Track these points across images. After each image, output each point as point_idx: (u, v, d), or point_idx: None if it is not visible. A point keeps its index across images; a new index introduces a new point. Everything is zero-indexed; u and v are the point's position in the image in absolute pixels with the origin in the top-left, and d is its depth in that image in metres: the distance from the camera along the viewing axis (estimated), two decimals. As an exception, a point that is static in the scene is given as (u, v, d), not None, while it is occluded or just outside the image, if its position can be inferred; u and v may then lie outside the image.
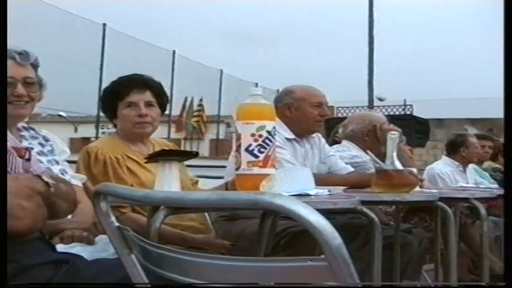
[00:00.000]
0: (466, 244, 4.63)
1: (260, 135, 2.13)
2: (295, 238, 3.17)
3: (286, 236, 3.20)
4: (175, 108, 20.72)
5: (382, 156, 2.89)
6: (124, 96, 2.99)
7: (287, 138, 3.58)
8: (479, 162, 6.30)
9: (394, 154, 2.81)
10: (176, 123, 22.03)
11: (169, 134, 19.89)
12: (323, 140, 3.83)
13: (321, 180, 3.18)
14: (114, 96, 3.03)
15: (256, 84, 22.06)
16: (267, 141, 2.14)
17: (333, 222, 3.01)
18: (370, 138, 4.20)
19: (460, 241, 4.58)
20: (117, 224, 1.24)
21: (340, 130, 4.28)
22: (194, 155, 2.47)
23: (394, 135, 2.87)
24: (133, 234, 1.22)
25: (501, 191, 4.24)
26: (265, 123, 2.14)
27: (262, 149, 2.13)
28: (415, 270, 4.19)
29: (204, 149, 23.44)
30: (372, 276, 2.56)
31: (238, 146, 2.15)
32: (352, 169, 3.81)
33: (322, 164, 3.76)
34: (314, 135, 3.82)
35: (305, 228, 2.88)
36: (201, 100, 22.35)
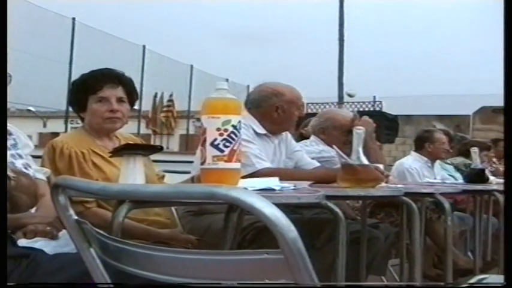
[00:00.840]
0: (432, 239, 4.67)
1: (225, 130, 2.12)
2: (261, 233, 3.17)
3: (253, 230, 3.20)
4: (145, 103, 20.61)
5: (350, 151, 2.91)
6: (96, 90, 2.97)
7: (257, 133, 3.57)
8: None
9: (360, 149, 2.83)
10: (146, 118, 21.92)
11: (139, 129, 19.77)
12: (289, 136, 3.84)
13: (288, 175, 3.19)
14: (86, 90, 3.00)
15: (227, 80, 22.08)
16: (232, 135, 2.13)
17: (300, 217, 3.04)
18: (327, 136, 4.22)
19: (426, 236, 4.62)
20: (75, 218, 1.23)
21: (308, 126, 4.30)
22: (159, 149, 2.47)
23: (359, 131, 2.88)
24: (92, 227, 1.21)
25: (466, 187, 4.30)
26: (230, 118, 2.14)
27: (227, 144, 2.12)
28: (381, 264, 4.22)
29: (174, 144, 23.37)
30: (337, 270, 2.57)
31: (204, 141, 2.15)
32: (318, 164, 3.82)
33: (288, 160, 3.77)
34: None
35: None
36: (171, 95, 22.23)
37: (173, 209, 3.57)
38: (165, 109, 22.41)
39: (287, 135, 3.81)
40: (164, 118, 22.39)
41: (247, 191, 0.94)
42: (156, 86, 20.71)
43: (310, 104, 21.41)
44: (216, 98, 2.20)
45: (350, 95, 21.17)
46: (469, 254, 4.95)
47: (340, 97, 20.06)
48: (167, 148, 22.11)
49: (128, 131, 3.36)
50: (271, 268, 0.94)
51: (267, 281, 0.95)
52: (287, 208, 3.70)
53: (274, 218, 0.91)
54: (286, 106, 3.63)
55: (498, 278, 2.82)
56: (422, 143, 5.81)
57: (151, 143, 21.76)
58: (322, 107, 17.17)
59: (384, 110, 21.44)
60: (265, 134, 3.61)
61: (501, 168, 7.79)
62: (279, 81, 3.78)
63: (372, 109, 21.85)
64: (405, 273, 3.76)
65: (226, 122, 2.13)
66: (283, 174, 3.13)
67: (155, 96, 21.81)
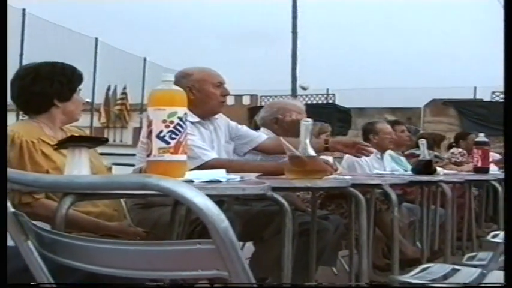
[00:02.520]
0: (381, 229, 4.72)
1: (171, 122, 2.12)
2: (211, 225, 3.16)
3: (202, 223, 3.19)
4: (98, 96, 20.42)
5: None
6: (81, 82, 2.98)
7: (192, 122, 3.54)
8: (400, 147, 6.44)
9: (307, 141, 2.84)
10: (99, 111, 21.73)
11: (91, 122, 19.58)
12: (226, 119, 3.82)
13: (238, 167, 3.20)
14: (76, 81, 3.00)
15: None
16: (178, 127, 2.12)
17: (249, 209, 3.05)
18: (279, 126, 4.22)
19: (375, 227, 4.67)
20: (12, 210, 1.21)
21: (255, 118, 4.29)
22: (103, 141, 2.45)
23: (307, 123, 2.89)
24: (28, 220, 1.20)
25: (413, 178, 4.35)
26: (176, 110, 2.13)
27: (173, 136, 2.12)
28: (331, 255, 4.26)
29: (127, 137, 23.19)
30: (283, 261, 2.58)
31: (150, 133, 2.14)
32: (266, 136, 3.83)
33: (229, 144, 3.76)
34: (217, 116, 3.80)
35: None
36: (124, 88, 22.06)
37: (122, 201, 3.55)
38: (118, 102, 22.23)
39: (223, 119, 3.80)
40: (118, 111, 22.21)
41: (179, 181, 0.94)
42: (108, 79, 20.51)
43: (263, 97, 21.50)
44: (162, 89, 2.19)
45: (303, 88, 21.24)
46: (418, 244, 5.01)
47: (293, 90, 20.11)
48: (120, 141, 21.95)
49: (80, 124, 3.33)
50: (204, 258, 0.94)
51: (200, 272, 0.95)
52: (237, 200, 3.73)
53: (205, 208, 0.91)
54: (198, 85, 3.59)
55: (443, 267, 2.87)
56: (367, 135, 5.87)
57: (105, 136, 21.58)
58: (275, 99, 17.20)
59: (337, 102, 21.67)
60: (198, 122, 3.58)
61: (464, 158, 7.92)
62: (215, 69, 3.76)
63: (324, 102, 22.02)
64: (354, 264, 3.79)
65: (172, 113, 2.12)
66: (233, 166, 3.13)
67: (108, 89, 21.61)
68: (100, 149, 2.94)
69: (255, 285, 0.94)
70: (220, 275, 0.94)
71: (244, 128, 3.87)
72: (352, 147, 3.72)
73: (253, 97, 22.49)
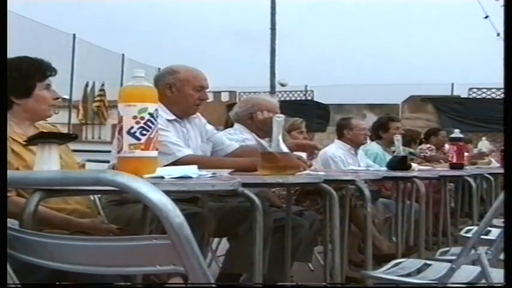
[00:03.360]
0: (356, 225, 4.73)
1: (142, 118, 2.11)
2: (186, 221, 3.15)
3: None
4: (76, 93, 20.30)
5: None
6: (45, 77, 2.92)
7: (168, 120, 3.53)
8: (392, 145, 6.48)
9: (280, 137, 2.84)
10: (77, 108, 21.61)
11: (69, 118, 19.47)
12: (204, 120, 3.80)
13: (211, 163, 3.19)
14: (35, 75, 2.94)
15: (159, 69, 21.93)
16: (149, 123, 2.12)
17: (223, 205, 3.05)
18: (254, 121, 4.21)
19: (351, 222, 4.68)
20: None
21: (230, 113, 4.28)
22: (73, 137, 2.43)
23: (279, 119, 2.89)
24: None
25: (387, 173, 4.37)
26: (147, 106, 2.13)
27: (144, 132, 2.11)
28: (306, 251, 4.27)
29: (105, 133, 23.07)
30: (255, 256, 2.59)
31: (120, 129, 2.13)
32: (237, 145, 3.82)
33: (206, 144, 3.75)
34: (195, 115, 3.78)
35: (193, 212, 2.89)
36: (102, 85, 21.95)
37: (97, 198, 3.54)
38: (96, 99, 22.12)
39: (200, 120, 3.78)
40: (96, 108, 22.10)
41: (134, 177, 0.94)
42: (87, 76, 20.41)
43: (242, 93, 21.47)
44: (132, 85, 2.19)
45: (282, 84, 21.22)
46: (394, 239, 5.04)
47: (272, 86, 20.10)
48: (99, 138, 21.86)
49: (58, 121, 3.31)
50: (161, 254, 0.94)
51: (158, 267, 0.95)
52: (211, 197, 3.73)
53: (160, 203, 0.91)
54: (179, 84, 3.57)
55: (415, 262, 2.89)
56: (341, 131, 5.89)
57: (83, 132, 21.48)
58: (250, 95, 17.21)
59: (316, 99, 21.71)
60: (175, 120, 3.56)
61: (433, 153, 7.97)
62: (193, 66, 3.74)
63: (303, 98, 22.05)
64: (330, 260, 3.80)
65: (142, 110, 2.12)
66: (207, 163, 3.13)
67: (86, 85, 21.50)
68: (78, 146, 2.94)
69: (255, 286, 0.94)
70: (177, 270, 0.94)
71: (219, 135, 3.85)
72: (303, 147, 3.75)
73: (231, 94, 22.49)
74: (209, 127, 3.83)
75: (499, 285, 3.23)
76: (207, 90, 3.70)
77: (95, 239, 0.98)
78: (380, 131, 6.55)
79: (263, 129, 3.98)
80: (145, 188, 0.91)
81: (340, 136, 5.91)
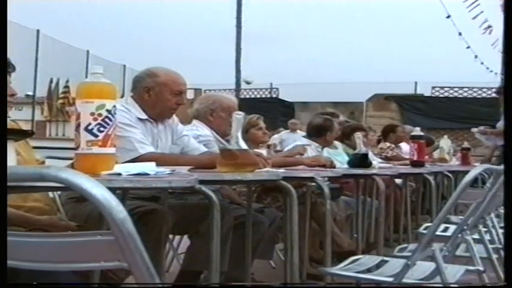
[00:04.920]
0: (317, 222, 4.75)
1: (100, 114, 2.11)
2: (143, 218, 3.15)
3: (134, 215, 3.16)
4: (40, 90, 20.11)
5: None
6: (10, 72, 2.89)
7: (139, 118, 3.53)
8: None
9: (239, 134, 2.85)
10: (42, 105, 21.40)
11: (33, 115, 19.29)
12: (176, 120, 3.80)
13: (172, 160, 3.19)
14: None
15: (124, 67, 21.80)
16: (106, 120, 2.11)
17: (184, 202, 3.04)
18: (215, 118, 4.22)
19: (312, 220, 4.71)
20: None
21: (189, 110, 4.27)
22: (29, 134, 2.42)
23: (239, 116, 2.90)
24: None
25: (347, 171, 4.41)
26: (105, 102, 2.12)
27: (101, 128, 2.10)
28: (267, 249, 4.28)
29: (70, 131, 22.89)
30: (212, 253, 2.59)
31: (78, 125, 2.12)
32: (206, 149, 3.81)
33: (175, 146, 3.74)
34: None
35: (151, 208, 2.88)
36: (67, 82, 21.76)
37: (56, 195, 3.51)
38: (61, 96, 21.91)
39: (173, 120, 3.78)
40: (60, 105, 21.89)
41: (78, 173, 0.94)
42: (51, 72, 20.21)
43: (207, 91, 21.43)
44: (90, 82, 2.18)
45: (247, 82, 21.28)
46: (355, 236, 5.07)
47: (237, 84, 20.14)
48: (63, 135, 21.67)
49: (22, 118, 3.28)
50: (105, 250, 0.94)
51: (103, 263, 0.95)
52: (171, 194, 3.72)
53: (103, 199, 0.91)
54: (158, 88, 3.56)
55: (372, 259, 2.92)
56: (323, 131, 5.88)
57: (47, 130, 21.28)
58: (209, 92, 17.21)
59: (281, 97, 21.76)
60: (147, 119, 3.56)
61: (394, 153, 8.03)
62: (158, 63, 3.73)
63: (268, 96, 22.09)
64: (290, 257, 3.82)
65: (100, 106, 2.11)
66: (167, 160, 3.13)
67: (51, 82, 21.29)
68: (42, 143, 2.92)
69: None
70: (121, 267, 0.95)
71: (188, 138, 3.84)
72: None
73: (197, 91, 22.43)
74: (180, 128, 3.82)
75: (500, 285, 3.28)
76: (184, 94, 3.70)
77: (40, 235, 0.98)
78: (344, 138, 6.60)
79: (224, 124, 4.01)
80: (89, 184, 0.91)
81: (318, 135, 5.93)
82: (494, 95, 8.80)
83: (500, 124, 7.29)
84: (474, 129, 7.70)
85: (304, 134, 5.43)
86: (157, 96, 3.57)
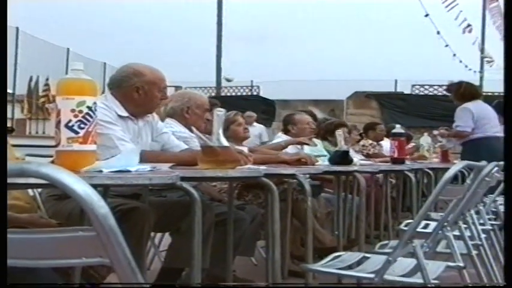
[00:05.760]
0: (298, 219, 4.76)
1: (80, 111, 2.09)
2: (125, 216, 3.14)
3: (116, 213, 3.14)
4: (19, 88, 19.97)
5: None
6: None
7: (120, 116, 3.51)
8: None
9: (220, 131, 2.85)
10: (21, 103, 21.26)
11: (13, 113, 19.15)
12: (156, 118, 3.79)
13: (153, 157, 3.18)
14: None
15: (105, 64, 21.72)
16: (87, 117, 2.10)
17: (164, 200, 3.03)
18: (190, 115, 4.22)
19: (293, 217, 4.72)
20: None
21: (162, 108, 4.25)
22: (9, 131, 2.41)
23: (220, 113, 2.90)
24: None
25: (328, 168, 4.42)
26: (85, 99, 2.11)
27: (82, 125, 2.09)
28: (248, 245, 4.29)
29: (51, 129, 22.76)
30: (193, 249, 2.59)
31: (58, 122, 2.11)
32: (186, 146, 3.81)
33: (155, 143, 3.73)
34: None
35: (132, 206, 2.87)
36: (47, 79, 21.63)
37: (36, 193, 3.49)
38: (42, 93, 21.79)
39: (154, 117, 3.77)
40: (41, 103, 21.76)
41: (59, 168, 0.93)
42: (31, 70, 20.08)
43: (188, 89, 21.39)
44: (70, 78, 2.17)
45: (228, 80, 21.23)
46: (336, 233, 5.09)
47: (218, 81, 20.11)
48: (43, 133, 21.54)
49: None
50: (87, 246, 0.93)
51: (84, 259, 0.94)
52: (151, 191, 3.71)
53: (85, 194, 0.90)
54: (147, 87, 3.56)
55: (354, 255, 2.93)
56: (286, 126, 5.96)
57: (27, 127, 21.14)
58: (200, 91, 17.16)
59: (262, 94, 21.76)
60: (128, 116, 3.55)
61: (376, 150, 8.07)
62: (142, 63, 3.73)
63: (249, 94, 22.08)
64: (272, 254, 3.82)
65: (81, 103, 2.10)
66: (148, 157, 3.12)
67: (30, 80, 21.15)
68: (22, 141, 2.90)
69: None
70: (103, 263, 0.94)
71: (168, 135, 3.83)
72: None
73: (177, 89, 22.37)
74: (160, 125, 3.81)
75: (500, 285, 3.31)
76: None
77: (20, 232, 0.97)
78: (327, 135, 6.63)
79: (199, 121, 4.04)
80: (70, 179, 0.90)
81: (286, 131, 5.98)
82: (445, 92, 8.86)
83: (455, 125, 7.36)
84: (435, 132, 7.78)
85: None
86: (147, 94, 3.57)
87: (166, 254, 3.81)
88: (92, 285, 2.62)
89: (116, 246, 0.90)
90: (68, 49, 20.87)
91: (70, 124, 2.08)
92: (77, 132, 2.09)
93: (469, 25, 19.78)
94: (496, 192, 4.64)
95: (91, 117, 2.11)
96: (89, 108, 2.11)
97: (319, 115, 7.43)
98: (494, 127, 7.19)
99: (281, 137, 5.95)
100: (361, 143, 8.24)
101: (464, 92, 7.36)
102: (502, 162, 4.86)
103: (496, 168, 3.46)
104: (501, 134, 7.51)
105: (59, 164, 2.11)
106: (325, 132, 6.59)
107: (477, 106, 7.28)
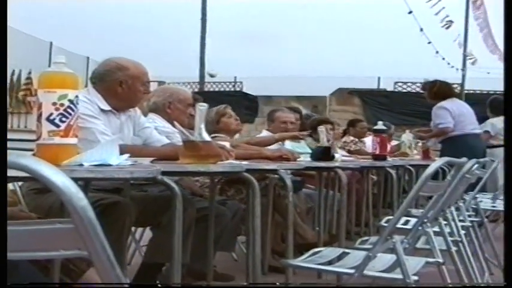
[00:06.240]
0: (280, 215, 4.77)
1: (62, 104, 2.09)
2: (106, 210, 3.14)
3: (97, 208, 3.14)
4: (1, 81, 19.83)
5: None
6: None
7: (102, 110, 3.50)
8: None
9: (202, 126, 2.85)
10: (2, 96, 21.14)
11: (-7, 107, 19.02)
12: (139, 112, 3.79)
13: (135, 152, 3.17)
14: None
15: (88, 58, 21.63)
16: (68, 110, 2.10)
17: (145, 194, 3.02)
18: (172, 110, 4.22)
19: (275, 212, 4.73)
20: None
21: (145, 103, 4.25)
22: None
23: (202, 107, 2.90)
24: None
25: (310, 164, 4.43)
26: (67, 92, 2.10)
27: (63, 118, 2.09)
28: (229, 241, 4.29)
29: (32, 122, 22.63)
30: (174, 244, 2.59)
31: (39, 115, 2.10)
32: (168, 141, 3.81)
33: (137, 137, 3.73)
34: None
35: (114, 201, 2.86)
36: (29, 73, 21.50)
37: (17, 187, 3.48)
38: (23, 87, 21.66)
39: (136, 112, 3.76)
40: (22, 96, 21.64)
41: (37, 160, 0.93)
42: (14, 64, 19.95)
43: (171, 84, 21.36)
44: (52, 71, 2.17)
45: (211, 75, 21.24)
46: (317, 228, 5.10)
47: (201, 77, 20.11)
48: (25, 127, 21.44)
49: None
50: (65, 238, 0.93)
51: (62, 252, 0.94)
52: (133, 186, 3.71)
53: (63, 186, 0.90)
54: (131, 81, 3.55)
55: (334, 251, 2.94)
56: (269, 122, 6.00)
57: (8, 121, 21.02)
58: (183, 86, 17.14)
59: (245, 90, 21.74)
60: (110, 111, 3.54)
61: (358, 147, 8.10)
62: (124, 57, 3.72)
63: (232, 89, 22.07)
64: (252, 249, 3.83)
65: (62, 96, 2.09)
66: (130, 151, 3.11)
67: (12, 74, 21.01)
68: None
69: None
70: (81, 255, 0.94)
71: (150, 130, 3.82)
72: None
73: (161, 84, 22.34)
74: (142, 119, 3.81)
75: (500, 285, 3.33)
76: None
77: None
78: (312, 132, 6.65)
79: (182, 117, 4.04)
80: (49, 171, 0.90)
81: (268, 126, 6.01)
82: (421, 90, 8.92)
83: (432, 124, 7.41)
84: (411, 134, 7.88)
85: None
86: (130, 88, 3.56)
87: (147, 249, 3.81)
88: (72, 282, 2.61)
89: (95, 239, 0.90)
90: (51, 43, 20.79)
91: (51, 117, 2.08)
92: (58, 126, 2.08)
93: (450, 21, 19.92)
94: (476, 189, 4.68)
95: (73, 110, 2.11)
96: (71, 101, 2.10)
97: (302, 111, 7.42)
98: (470, 124, 7.26)
99: (263, 134, 5.96)
100: (343, 139, 8.27)
101: (438, 90, 7.44)
102: (482, 160, 4.92)
103: (476, 165, 3.49)
104: (479, 131, 7.59)
105: (40, 157, 2.10)
106: (310, 129, 6.61)
107: (453, 104, 7.36)
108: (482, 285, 3.68)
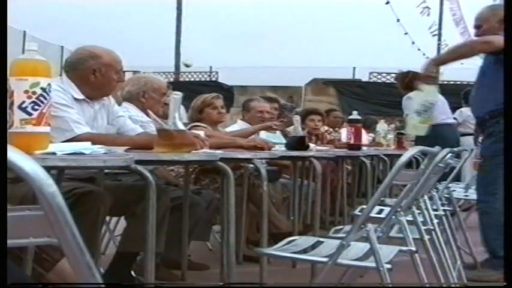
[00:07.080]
0: (254, 204, 4.78)
1: (34, 92, 2.07)
2: (80, 200, 3.12)
3: (71, 197, 3.13)
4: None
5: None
6: None
7: (75, 99, 3.48)
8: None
9: (177, 114, 2.84)
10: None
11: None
12: (113, 101, 3.77)
13: (109, 141, 3.16)
14: None
15: (62, 48, 21.46)
16: (41, 98, 2.08)
17: (119, 184, 3.01)
18: (147, 99, 4.21)
19: (249, 201, 4.73)
20: None
21: (119, 92, 4.23)
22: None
23: (177, 96, 2.89)
24: None
25: (285, 153, 4.44)
26: (39, 80, 2.08)
27: (36, 107, 2.07)
28: (204, 230, 4.29)
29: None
30: (147, 233, 2.58)
31: (11, 104, 2.08)
32: (142, 130, 3.79)
33: (111, 126, 3.71)
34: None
35: (88, 190, 2.84)
36: (2, 61, 21.33)
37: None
38: (-4, 77, 21.45)
39: (110, 101, 3.74)
40: (-5, 85, 21.43)
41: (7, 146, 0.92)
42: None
43: (146, 73, 21.26)
44: (24, 59, 2.14)
45: (186, 65, 21.17)
46: (292, 218, 5.11)
47: (177, 67, 20.06)
48: (0, 118, 21.27)
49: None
50: (35, 225, 0.92)
51: (32, 239, 0.94)
52: (107, 175, 3.69)
53: (32, 172, 0.89)
54: (104, 69, 3.53)
55: (308, 240, 2.95)
56: (242, 112, 6.00)
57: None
58: (158, 76, 17.07)
59: (220, 80, 21.72)
60: (83, 99, 3.51)
61: (332, 137, 8.13)
62: (97, 45, 3.70)
63: (208, 79, 22.03)
64: (227, 239, 3.83)
65: (34, 84, 2.07)
66: (104, 140, 3.09)
67: (-15, 63, 20.82)
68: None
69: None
70: (51, 242, 0.93)
71: (124, 119, 3.80)
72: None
73: (136, 73, 22.23)
74: (116, 108, 3.79)
75: (500, 285, 3.35)
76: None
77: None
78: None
79: (157, 105, 4.04)
80: (17, 157, 0.89)
81: (243, 116, 6.00)
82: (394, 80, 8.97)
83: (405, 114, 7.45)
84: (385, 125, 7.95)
85: None
86: (104, 76, 3.55)
87: (121, 238, 3.79)
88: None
89: (64, 226, 0.89)
90: (25, 32, 20.60)
91: (23, 105, 2.05)
92: (30, 114, 2.06)
93: (427, 7, 20.04)
94: (448, 178, 4.72)
95: (45, 98, 2.08)
96: (43, 89, 2.08)
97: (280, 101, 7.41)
98: (442, 114, 7.29)
99: (238, 124, 5.95)
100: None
101: (410, 81, 7.45)
102: (455, 149, 4.96)
103: (449, 155, 3.51)
104: (452, 121, 7.65)
105: (12, 146, 2.08)
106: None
107: None
108: (482, 284, 3.72)
